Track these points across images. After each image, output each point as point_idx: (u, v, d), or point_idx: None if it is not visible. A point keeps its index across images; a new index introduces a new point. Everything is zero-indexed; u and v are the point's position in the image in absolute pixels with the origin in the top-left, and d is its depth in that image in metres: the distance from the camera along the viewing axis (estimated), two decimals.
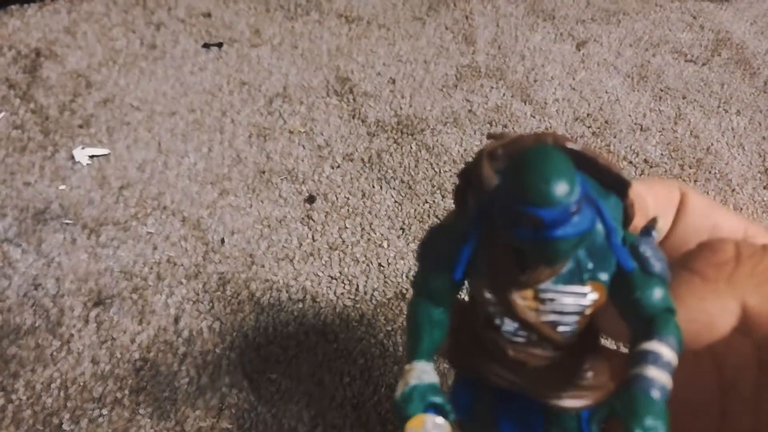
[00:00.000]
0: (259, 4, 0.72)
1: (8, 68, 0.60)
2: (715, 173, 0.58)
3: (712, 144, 0.60)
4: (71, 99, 0.58)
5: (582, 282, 0.19)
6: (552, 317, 0.19)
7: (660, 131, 0.62)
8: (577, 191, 0.16)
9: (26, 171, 0.51)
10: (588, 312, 0.19)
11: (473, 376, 0.22)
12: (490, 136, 0.20)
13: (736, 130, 0.62)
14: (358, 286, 0.45)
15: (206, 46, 0.65)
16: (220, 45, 0.65)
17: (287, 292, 0.45)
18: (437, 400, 0.19)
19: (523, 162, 0.16)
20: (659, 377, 0.17)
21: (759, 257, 0.17)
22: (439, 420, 0.18)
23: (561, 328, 0.20)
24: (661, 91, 0.67)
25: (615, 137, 0.60)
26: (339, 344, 0.42)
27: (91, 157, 0.52)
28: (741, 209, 0.55)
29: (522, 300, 0.19)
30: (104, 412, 0.38)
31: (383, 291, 0.45)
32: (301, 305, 0.44)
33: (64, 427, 0.37)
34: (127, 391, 0.39)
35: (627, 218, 0.20)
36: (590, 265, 0.18)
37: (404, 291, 0.45)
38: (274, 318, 0.43)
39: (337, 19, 0.71)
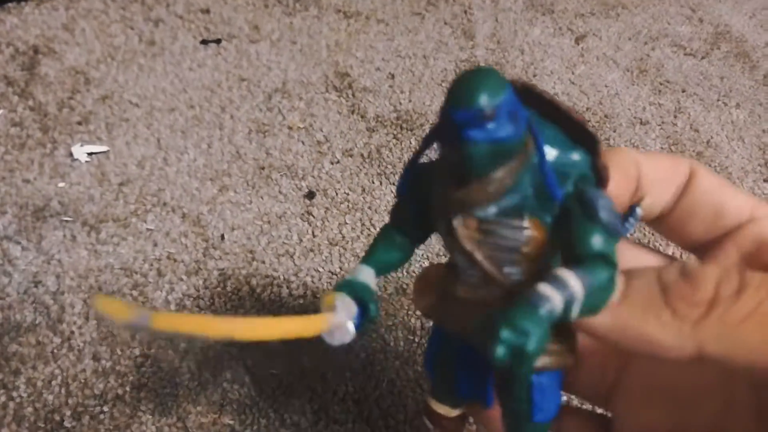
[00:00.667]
0: (258, 0, 0.72)
1: (6, 65, 0.60)
2: (716, 166, 0.58)
3: (711, 137, 0.60)
4: (70, 96, 0.58)
5: (521, 217, 0.19)
6: (492, 252, 0.19)
7: (660, 125, 0.61)
8: (497, 102, 0.16)
9: (25, 168, 0.51)
10: (526, 250, 0.19)
11: (437, 324, 0.23)
12: None
13: (736, 123, 0.62)
14: None
15: (204, 42, 0.65)
16: (218, 41, 0.65)
17: (288, 287, 0.45)
18: (364, 295, 0.20)
19: (457, 76, 0.17)
20: (552, 297, 0.16)
21: (732, 301, 0.17)
22: (348, 301, 0.20)
23: (506, 269, 0.20)
24: (661, 84, 0.66)
25: (615, 131, 0.60)
26: None
27: (90, 154, 0.52)
28: None
29: (464, 229, 0.19)
30: (106, 408, 0.38)
31: (383, 286, 0.45)
32: (302, 301, 0.44)
33: (66, 423, 0.37)
34: (128, 388, 0.39)
35: (600, 179, 0.20)
36: (534, 204, 0.19)
37: (404, 286, 0.45)
38: (275, 313, 0.43)
39: (335, 14, 0.71)
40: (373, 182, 0.53)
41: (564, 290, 0.17)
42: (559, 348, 0.21)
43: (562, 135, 0.19)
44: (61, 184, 0.50)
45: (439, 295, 0.23)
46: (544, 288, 0.17)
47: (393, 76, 0.64)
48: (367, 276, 0.21)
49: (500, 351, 0.16)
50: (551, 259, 0.19)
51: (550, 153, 0.19)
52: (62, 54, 0.62)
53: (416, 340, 0.42)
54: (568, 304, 0.17)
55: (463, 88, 0.17)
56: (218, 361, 0.40)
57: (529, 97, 0.19)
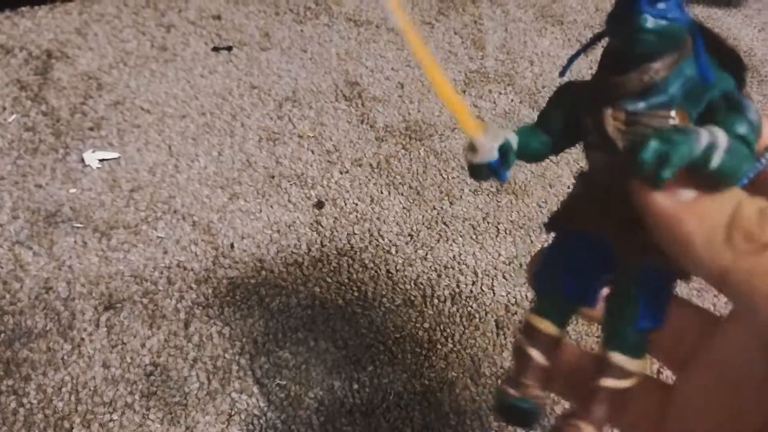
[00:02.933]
0: (269, 7, 0.72)
1: (20, 70, 0.60)
2: None
3: None
4: (82, 101, 0.58)
5: (670, 109, 0.20)
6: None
7: None
8: None
9: (38, 173, 0.52)
10: None
11: (569, 230, 0.24)
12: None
13: None
14: (366, 292, 0.45)
15: (216, 49, 0.65)
16: (229, 48, 0.66)
17: (296, 297, 0.45)
18: (508, 145, 0.21)
19: None
20: (699, 131, 0.18)
21: None
22: (500, 132, 0.20)
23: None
24: None
25: None
26: (348, 351, 0.42)
27: (102, 160, 0.53)
28: None
29: (613, 120, 0.20)
30: (115, 416, 0.38)
31: (392, 298, 0.45)
32: (310, 311, 0.44)
33: (75, 431, 0.37)
34: (137, 396, 0.39)
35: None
36: (682, 100, 0.20)
37: (412, 298, 0.45)
38: (284, 323, 0.43)
39: (346, 23, 0.71)
40: (382, 192, 0.53)
41: (710, 134, 0.18)
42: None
43: (713, 59, 0.21)
44: (72, 190, 0.51)
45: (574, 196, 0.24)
46: (693, 126, 0.18)
47: (402, 86, 0.64)
48: (512, 138, 0.22)
49: (647, 154, 0.18)
50: None
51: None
52: (75, 59, 0.62)
53: (423, 353, 0.42)
54: (710, 147, 0.18)
55: None
56: (227, 371, 0.40)
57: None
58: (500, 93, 0.64)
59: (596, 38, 0.21)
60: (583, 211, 0.23)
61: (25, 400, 0.38)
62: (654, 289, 0.23)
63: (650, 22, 0.18)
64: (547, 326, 0.25)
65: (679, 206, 0.18)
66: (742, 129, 0.19)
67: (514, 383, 0.25)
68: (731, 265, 0.17)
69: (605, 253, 0.24)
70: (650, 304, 0.23)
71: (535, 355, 0.25)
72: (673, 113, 0.20)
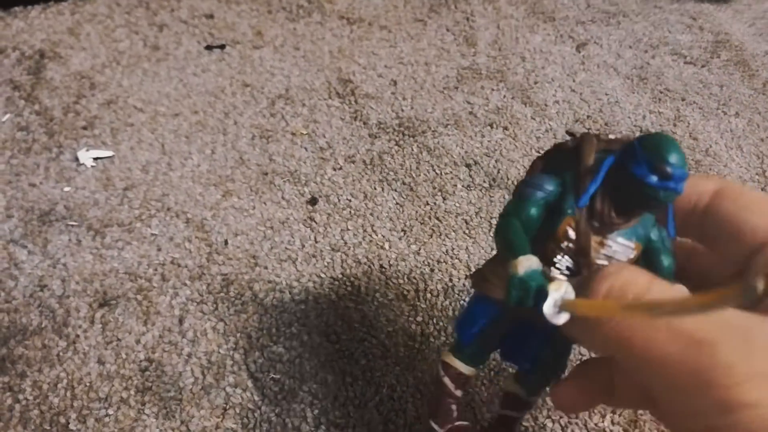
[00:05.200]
0: (261, 5, 0.72)
1: (13, 69, 0.61)
2: (714, 174, 0.58)
3: (710, 146, 0.61)
4: (75, 100, 0.58)
5: (632, 240, 0.26)
6: (601, 261, 0.26)
7: None
8: (687, 169, 0.24)
9: (31, 172, 0.52)
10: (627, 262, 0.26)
11: (496, 296, 0.29)
12: (568, 132, 0.28)
13: (735, 132, 0.63)
14: (359, 287, 0.46)
15: (209, 48, 0.66)
16: (222, 47, 0.66)
17: (290, 293, 0.45)
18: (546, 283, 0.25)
19: (663, 137, 0.24)
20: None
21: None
22: (570, 287, 0.24)
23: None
24: (661, 92, 0.67)
25: None
26: (341, 345, 0.42)
27: (96, 159, 0.53)
28: None
29: (593, 242, 0.26)
30: (110, 411, 0.38)
31: (385, 292, 0.45)
32: (303, 306, 0.44)
33: (71, 426, 0.38)
34: (132, 391, 0.39)
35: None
36: (641, 231, 0.26)
37: (405, 293, 0.45)
38: (278, 319, 0.43)
39: (338, 21, 0.71)
40: (375, 188, 0.53)
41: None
42: None
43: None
44: (66, 189, 0.51)
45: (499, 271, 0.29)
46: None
47: (395, 83, 0.64)
48: (538, 263, 0.26)
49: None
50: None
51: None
52: (68, 58, 0.63)
53: (416, 346, 0.42)
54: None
55: (675, 149, 0.23)
56: (221, 366, 0.40)
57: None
58: (492, 89, 0.65)
59: (606, 169, 0.25)
60: (498, 279, 0.28)
61: (21, 397, 0.39)
62: (556, 345, 0.29)
63: (672, 194, 0.24)
64: (460, 366, 0.30)
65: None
66: (666, 261, 0.26)
67: (434, 416, 0.31)
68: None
69: (522, 321, 0.29)
70: (553, 357, 0.29)
71: (450, 387, 0.30)
72: (633, 245, 0.26)
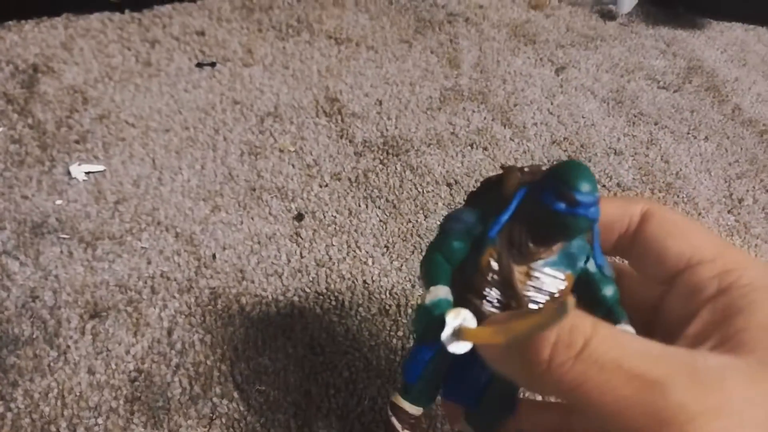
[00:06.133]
0: (252, 24, 0.74)
1: (6, 83, 0.62)
2: (683, 197, 0.61)
3: (681, 169, 0.64)
4: (68, 114, 0.60)
5: (561, 270, 0.26)
6: (531, 293, 0.26)
7: (633, 155, 0.65)
8: (597, 194, 0.23)
9: (24, 185, 0.53)
10: (556, 296, 0.26)
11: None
12: (503, 167, 0.28)
13: (704, 156, 0.66)
14: (343, 302, 0.47)
15: (199, 65, 0.67)
16: (213, 64, 0.68)
17: (276, 306, 0.47)
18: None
19: (571, 164, 0.23)
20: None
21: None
22: (470, 314, 0.24)
23: (531, 306, 0.26)
24: (635, 116, 0.70)
25: (590, 161, 0.63)
26: (325, 357, 0.44)
27: (87, 173, 0.54)
28: None
29: (518, 273, 0.25)
30: (100, 420, 0.40)
31: (368, 307, 0.47)
32: (289, 319, 0.46)
33: None
34: (122, 401, 0.41)
35: None
36: (571, 261, 0.26)
37: (387, 307, 0.47)
38: (263, 331, 0.45)
39: (327, 41, 0.74)
40: (360, 205, 0.55)
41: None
42: None
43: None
44: (58, 202, 0.52)
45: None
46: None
47: (381, 103, 0.66)
48: (449, 293, 0.26)
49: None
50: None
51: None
52: (61, 73, 0.64)
53: (397, 359, 0.44)
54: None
55: (582, 175, 0.23)
56: (208, 377, 0.42)
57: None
58: (473, 111, 0.67)
59: (518, 197, 0.25)
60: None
61: (12, 405, 0.40)
62: (500, 382, 0.29)
63: (583, 221, 0.23)
64: (409, 407, 0.31)
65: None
66: (616, 294, 0.26)
67: None
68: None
69: (461, 358, 0.28)
70: (499, 393, 0.29)
71: (398, 427, 0.30)
72: (563, 275, 0.26)
